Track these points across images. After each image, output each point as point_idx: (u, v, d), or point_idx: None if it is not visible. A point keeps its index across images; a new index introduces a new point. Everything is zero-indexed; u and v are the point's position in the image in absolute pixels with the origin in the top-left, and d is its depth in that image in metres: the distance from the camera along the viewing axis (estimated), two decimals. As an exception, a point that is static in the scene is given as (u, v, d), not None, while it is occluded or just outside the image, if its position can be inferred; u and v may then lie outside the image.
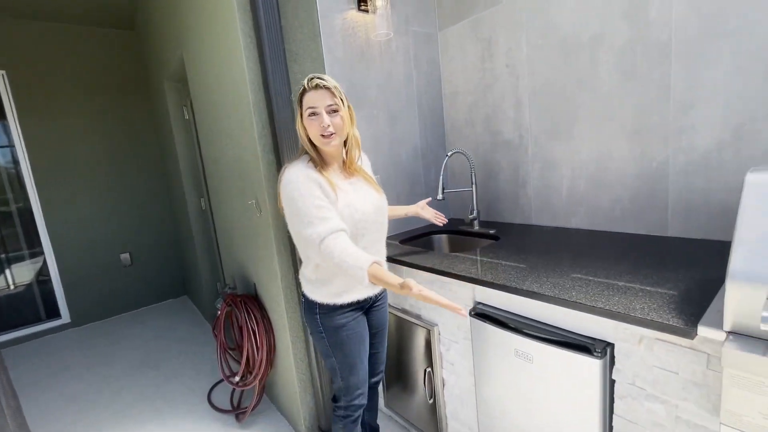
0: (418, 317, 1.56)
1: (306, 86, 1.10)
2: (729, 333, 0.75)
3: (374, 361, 1.44)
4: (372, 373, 1.45)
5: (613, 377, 0.98)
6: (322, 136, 1.10)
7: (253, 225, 1.81)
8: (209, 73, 1.94)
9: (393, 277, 1.01)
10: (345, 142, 1.19)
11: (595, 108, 1.53)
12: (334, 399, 1.37)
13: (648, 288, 0.99)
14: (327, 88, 1.09)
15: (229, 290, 2.29)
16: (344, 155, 1.21)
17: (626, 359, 0.94)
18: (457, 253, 1.51)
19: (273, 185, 1.58)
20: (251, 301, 1.93)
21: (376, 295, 1.32)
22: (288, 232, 1.62)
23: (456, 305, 0.96)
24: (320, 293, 1.22)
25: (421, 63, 2.03)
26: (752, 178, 0.80)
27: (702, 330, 0.78)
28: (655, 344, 0.88)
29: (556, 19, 1.58)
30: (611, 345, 0.97)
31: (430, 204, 1.63)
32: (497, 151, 1.93)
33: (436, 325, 1.48)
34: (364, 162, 1.32)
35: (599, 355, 0.97)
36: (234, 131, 1.78)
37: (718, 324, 0.77)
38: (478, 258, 1.42)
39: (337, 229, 1.06)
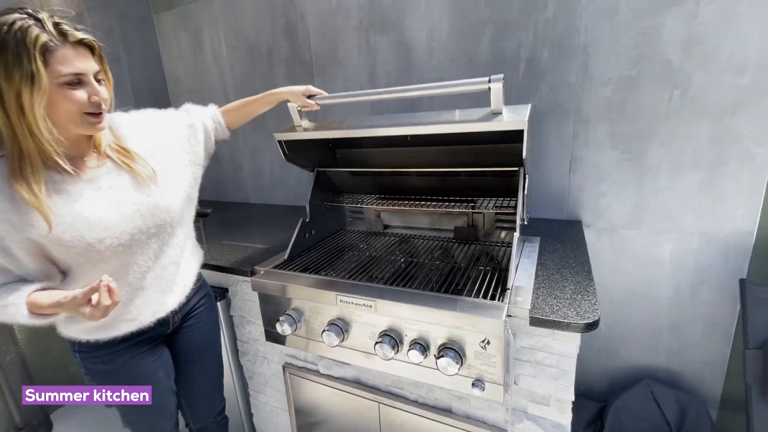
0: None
1: (55, 35, 0.66)
2: (263, 270, 1.15)
3: (197, 398, 1.07)
4: (200, 415, 1.09)
5: (231, 313, 1.33)
6: (90, 114, 0.71)
7: None
8: None
9: (56, 295, 0.71)
10: None
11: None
12: None
13: (256, 245, 1.36)
14: (91, 47, 0.72)
15: None
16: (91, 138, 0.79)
17: (234, 298, 1.30)
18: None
19: None
20: None
21: (181, 313, 0.95)
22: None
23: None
24: (74, 328, 0.83)
25: (133, 44, 2.01)
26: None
27: (255, 270, 1.16)
28: (244, 284, 1.25)
29: (242, 25, 1.84)
30: (226, 289, 1.31)
31: None
32: (216, 136, 2.13)
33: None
34: (123, 128, 0.85)
35: (219, 298, 1.29)
36: None
37: (265, 265, 1.16)
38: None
39: None
